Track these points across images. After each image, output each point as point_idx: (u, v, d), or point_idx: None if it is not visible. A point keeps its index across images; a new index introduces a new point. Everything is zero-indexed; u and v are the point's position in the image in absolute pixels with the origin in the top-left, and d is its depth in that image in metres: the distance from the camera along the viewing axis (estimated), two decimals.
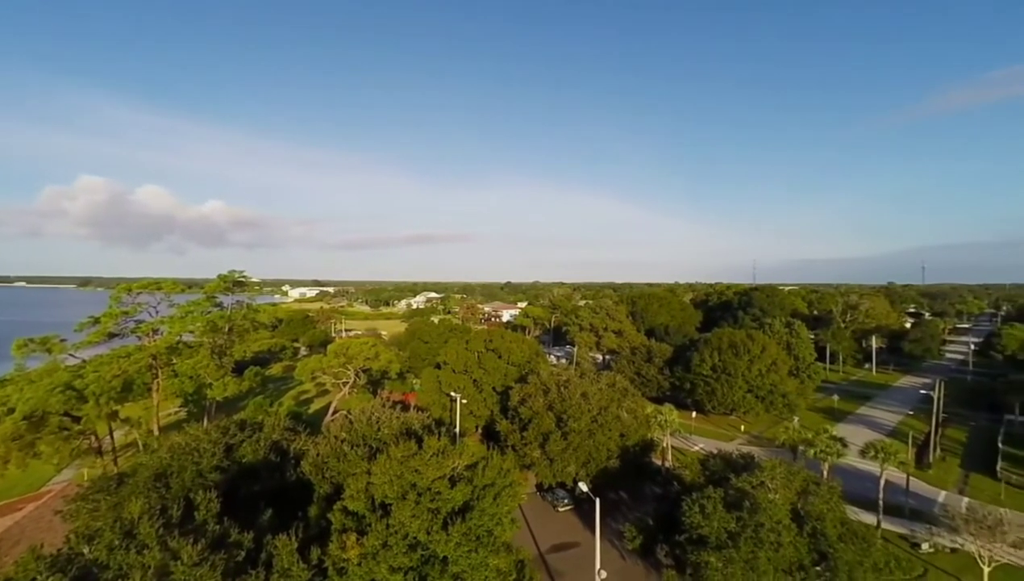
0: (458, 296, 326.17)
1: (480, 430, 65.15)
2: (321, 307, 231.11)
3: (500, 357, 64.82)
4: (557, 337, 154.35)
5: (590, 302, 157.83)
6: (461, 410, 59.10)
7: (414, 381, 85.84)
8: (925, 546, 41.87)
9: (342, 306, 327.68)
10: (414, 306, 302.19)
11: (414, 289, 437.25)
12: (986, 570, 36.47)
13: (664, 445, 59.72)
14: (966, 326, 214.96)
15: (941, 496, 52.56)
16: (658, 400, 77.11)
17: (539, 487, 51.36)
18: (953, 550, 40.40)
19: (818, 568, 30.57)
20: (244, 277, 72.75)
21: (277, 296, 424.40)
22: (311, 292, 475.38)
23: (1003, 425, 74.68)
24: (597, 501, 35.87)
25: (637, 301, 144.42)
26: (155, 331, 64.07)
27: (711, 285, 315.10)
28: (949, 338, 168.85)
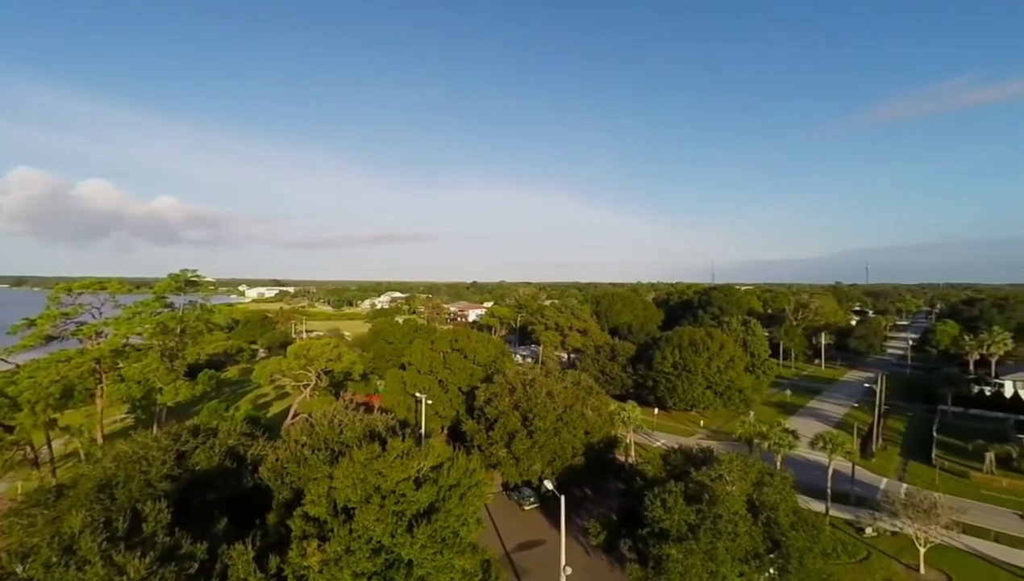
0: (423, 296, 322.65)
1: (446, 431, 64.68)
2: (281, 308, 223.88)
3: (466, 357, 64.56)
4: (523, 336, 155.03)
5: (556, 301, 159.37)
6: (426, 411, 58.53)
7: (378, 382, 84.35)
8: (868, 531, 44.37)
9: (303, 306, 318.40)
10: (378, 306, 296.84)
11: (378, 289, 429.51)
12: (922, 551, 39.02)
13: (627, 441, 60.97)
14: (905, 323, 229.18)
15: (883, 483, 55.80)
16: (622, 397, 78.73)
17: (505, 486, 51.46)
18: (893, 533, 42.96)
19: (772, 555, 31.93)
20: (198, 276, 69.55)
21: (234, 296, 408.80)
22: (270, 292, 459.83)
23: (937, 415, 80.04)
24: (563, 498, 36.25)
25: (601, 300, 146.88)
26: (99, 334, 60.42)
27: (672, 285, 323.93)
28: (890, 334, 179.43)
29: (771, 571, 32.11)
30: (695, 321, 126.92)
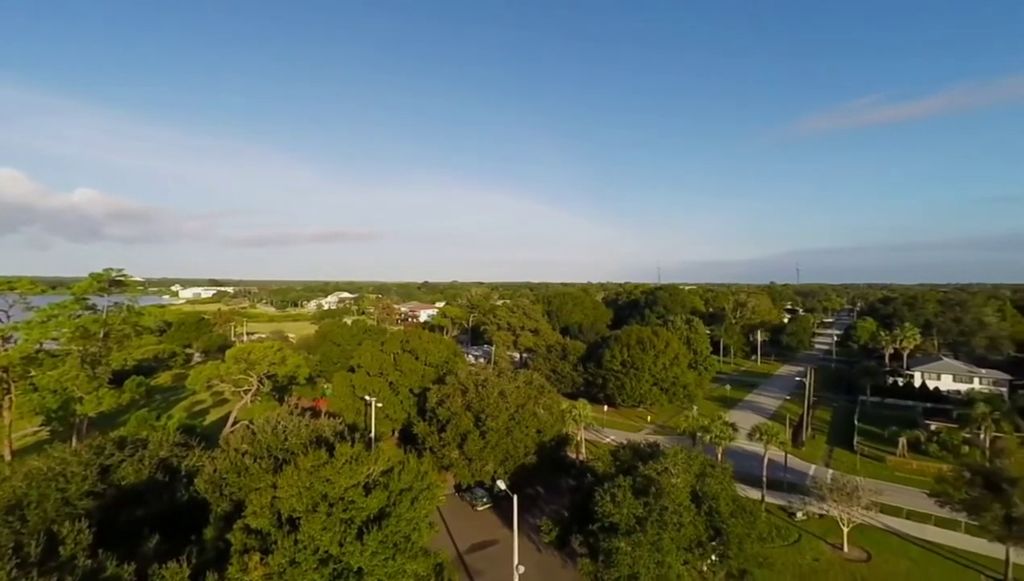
0: (373, 296, 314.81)
1: (397, 434, 63.47)
2: (219, 309, 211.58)
3: (417, 358, 63.61)
4: (475, 337, 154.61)
5: (508, 301, 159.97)
6: (377, 414, 57.19)
7: (325, 386, 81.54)
8: (799, 515, 47.50)
9: (243, 307, 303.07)
10: (325, 307, 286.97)
11: (325, 289, 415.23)
12: (845, 531, 42.20)
13: (578, 439, 62.15)
14: (830, 321, 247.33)
15: (812, 470, 59.89)
16: (573, 396, 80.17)
17: (458, 488, 51.12)
18: (821, 516, 46.21)
19: (713, 543, 33.54)
20: (124, 275, 64.61)
21: (166, 297, 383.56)
22: (207, 292, 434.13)
23: (858, 405, 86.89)
24: (515, 498, 36.45)
25: (553, 300, 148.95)
26: (7, 339, 54.90)
27: (621, 285, 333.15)
28: (818, 331, 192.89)
29: (713, 557, 33.74)
30: (642, 320, 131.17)
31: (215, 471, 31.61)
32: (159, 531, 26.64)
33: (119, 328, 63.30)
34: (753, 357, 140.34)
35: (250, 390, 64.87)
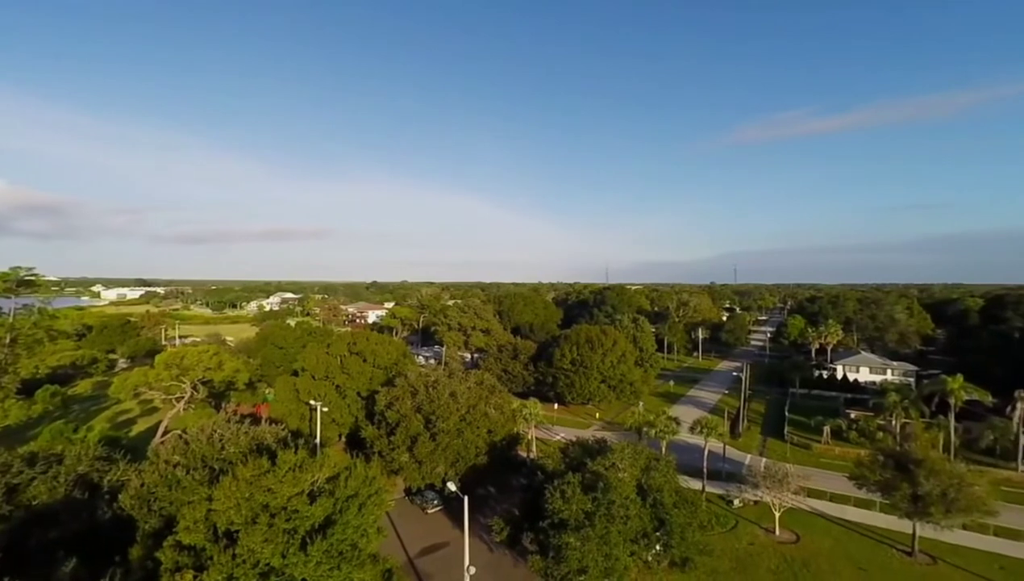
0: (318, 296, 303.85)
1: (344, 438, 61.63)
2: (147, 311, 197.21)
3: (365, 360, 62.03)
4: (426, 337, 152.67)
5: (459, 302, 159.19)
6: (322, 419, 55.26)
7: (267, 391, 77.87)
8: (736, 502, 50.25)
9: (175, 309, 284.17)
10: (267, 308, 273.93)
11: (267, 289, 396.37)
12: (777, 515, 45.06)
13: (529, 437, 62.79)
14: (764, 318, 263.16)
15: (747, 459, 63.48)
16: (524, 395, 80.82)
17: (408, 491, 50.31)
18: (756, 502, 49.08)
19: (658, 533, 34.90)
20: (34, 275, 59.00)
21: (86, 298, 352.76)
22: (134, 293, 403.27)
23: (788, 397, 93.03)
24: (466, 499, 36.33)
25: (504, 300, 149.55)
26: None
27: (571, 285, 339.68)
28: (753, 328, 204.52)
29: (657, 548, 35.11)
30: (591, 319, 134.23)
31: (142, 485, 29.47)
32: (77, 554, 24.53)
33: (29, 333, 57.75)
34: (695, 354, 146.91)
35: (183, 397, 60.95)
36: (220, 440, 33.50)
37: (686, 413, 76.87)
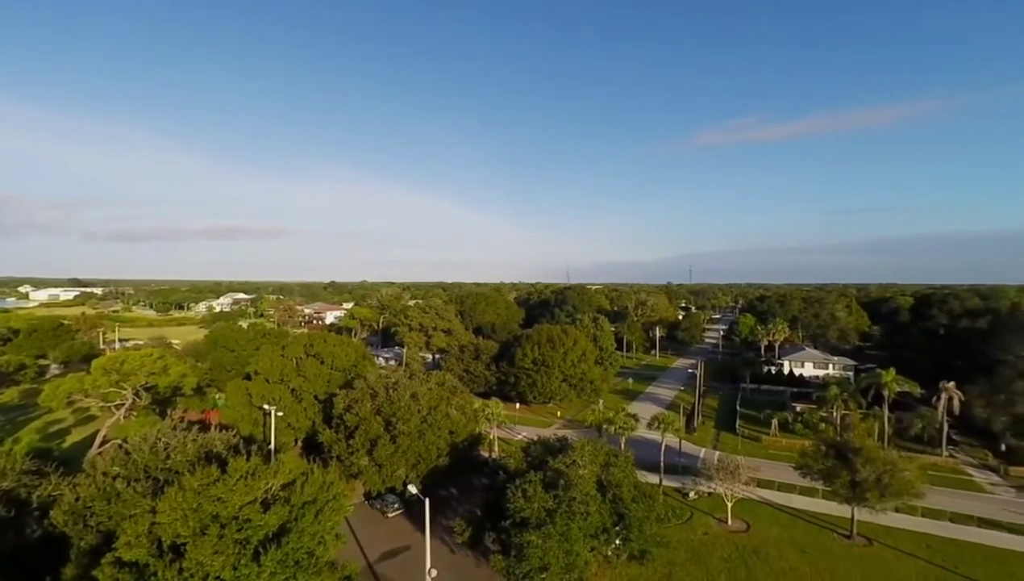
0: (273, 297, 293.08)
1: (300, 443, 59.76)
2: (83, 313, 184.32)
3: (323, 362, 60.34)
4: (386, 338, 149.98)
5: (420, 302, 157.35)
6: (277, 423, 53.33)
7: (217, 396, 74.46)
8: (692, 495, 52.03)
9: (115, 311, 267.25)
10: (217, 309, 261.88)
11: (217, 289, 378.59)
12: (729, 506, 46.98)
13: (491, 437, 62.81)
14: (718, 317, 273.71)
15: (702, 453, 65.84)
16: (486, 395, 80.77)
17: (367, 495, 49.32)
18: (710, 494, 50.98)
19: (617, 528, 35.67)
20: None
21: (12, 299, 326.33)
22: (68, 293, 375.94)
23: (740, 392, 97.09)
24: (427, 501, 35.98)
25: (465, 300, 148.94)
26: None
27: (532, 285, 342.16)
28: (707, 326, 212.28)
29: (617, 542, 35.88)
30: (552, 319, 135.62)
31: (77, 500, 27.58)
32: (2, 576, 22.68)
33: None
34: (652, 352, 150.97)
35: (123, 405, 57.43)
36: (165, 449, 31.76)
37: (644, 410, 78.89)
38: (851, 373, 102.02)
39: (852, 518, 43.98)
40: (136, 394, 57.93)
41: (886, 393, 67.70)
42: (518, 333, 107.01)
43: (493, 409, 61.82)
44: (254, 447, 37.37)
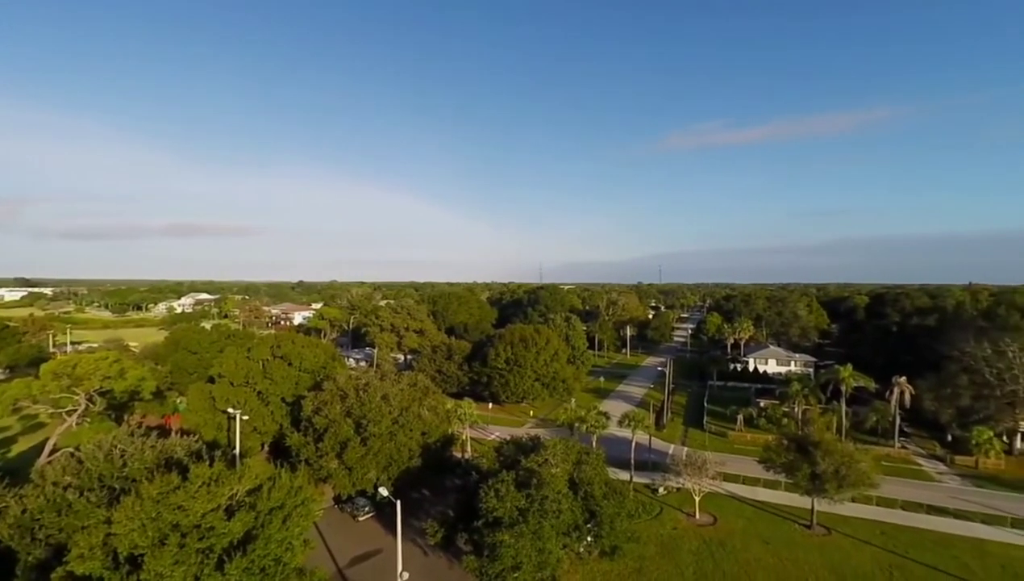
0: (238, 297, 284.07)
1: (267, 448, 58.23)
2: (31, 314, 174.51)
3: (290, 364, 58.87)
4: (357, 339, 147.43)
5: (391, 302, 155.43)
6: (242, 427, 51.75)
7: (178, 400, 71.77)
8: (661, 490, 53.07)
9: (66, 312, 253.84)
10: (178, 310, 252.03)
11: (178, 289, 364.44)
12: (697, 500, 48.14)
13: (464, 438, 62.58)
14: (686, 316, 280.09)
15: (671, 449, 67.25)
16: (458, 395, 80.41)
17: (337, 499, 48.40)
18: (678, 489, 52.08)
19: (589, 525, 36.09)
20: None
21: None
22: (15, 294, 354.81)
23: (707, 389, 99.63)
24: (398, 503, 35.59)
25: (438, 300, 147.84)
26: None
27: (505, 284, 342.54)
28: (676, 325, 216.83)
29: (588, 539, 36.30)
30: (525, 318, 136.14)
31: (24, 512, 26.13)
32: None
33: None
34: (623, 350, 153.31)
35: (76, 411, 54.73)
36: (121, 456, 30.42)
37: (615, 407, 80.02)
38: (811, 369, 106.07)
39: (812, 509, 45.73)
40: (90, 399, 55.30)
41: (844, 388, 70.67)
42: (491, 333, 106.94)
43: (466, 409, 61.63)
44: (218, 452, 36.21)
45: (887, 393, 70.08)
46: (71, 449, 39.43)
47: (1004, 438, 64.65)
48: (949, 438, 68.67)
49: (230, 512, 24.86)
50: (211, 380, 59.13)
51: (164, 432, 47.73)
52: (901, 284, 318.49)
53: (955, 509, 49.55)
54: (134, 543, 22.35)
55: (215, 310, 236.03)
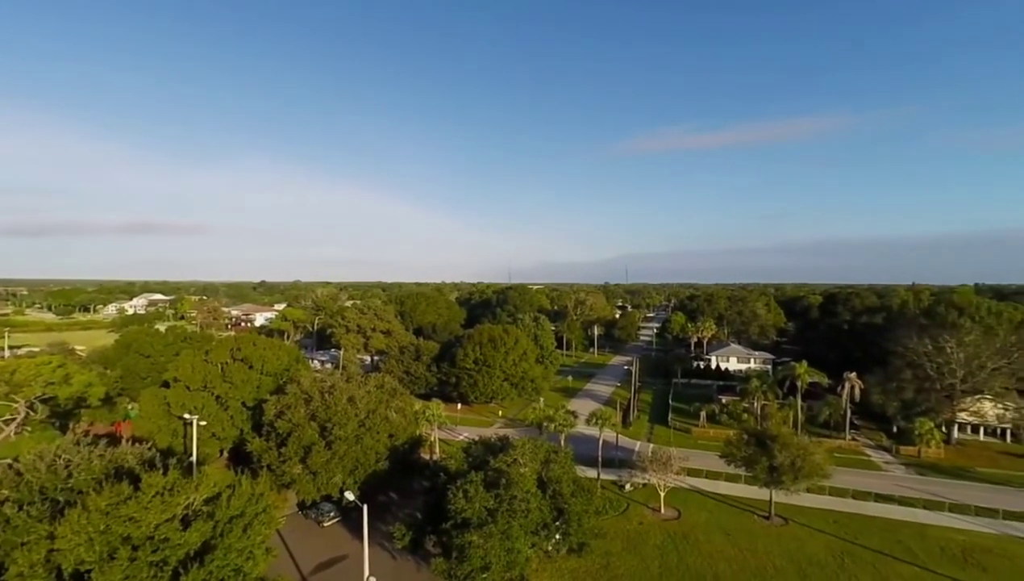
0: (195, 298, 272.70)
1: (226, 454, 56.16)
2: None
3: (252, 367, 56.96)
4: (321, 340, 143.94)
5: (358, 302, 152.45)
6: (200, 433, 49.73)
7: (129, 407, 68.37)
8: (627, 486, 54.05)
9: (4, 314, 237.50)
10: (130, 311, 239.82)
11: (130, 290, 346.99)
12: (662, 495, 49.29)
13: (432, 439, 62.04)
14: (652, 315, 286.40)
15: (637, 446, 68.58)
16: (426, 396, 79.73)
17: (301, 505, 47.14)
18: (644, 485, 53.18)
19: (557, 523, 36.41)
20: None
21: None
22: None
23: (672, 387, 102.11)
24: (365, 508, 34.97)
25: (406, 301, 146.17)
26: None
27: (474, 284, 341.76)
28: (642, 325, 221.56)
29: (557, 536, 36.62)
30: (494, 318, 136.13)
31: None
32: None
33: None
34: (591, 349, 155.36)
35: (14, 419, 51.37)
36: (66, 467, 28.72)
37: (583, 406, 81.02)
38: (770, 366, 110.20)
39: (770, 500, 47.55)
40: (30, 407, 52.07)
41: (799, 384, 73.81)
42: (460, 333, 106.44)
43: (434, 410, 61.13)
44: (173, 460, 34.73)
45: (839, 388, 73.59)
46: (9, 460, 36.96)
47: (943, 428, 68.99)
48: (895, 429, 72.70)
49: (186, 522, 23.87)
50: (166, 385, 56.60)
51: (114, 440, 45.31)
52: (852, 284, 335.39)
53: (900, 496, 52.47)
54: (80, 558, 21.16)
55: (170, 311, 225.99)
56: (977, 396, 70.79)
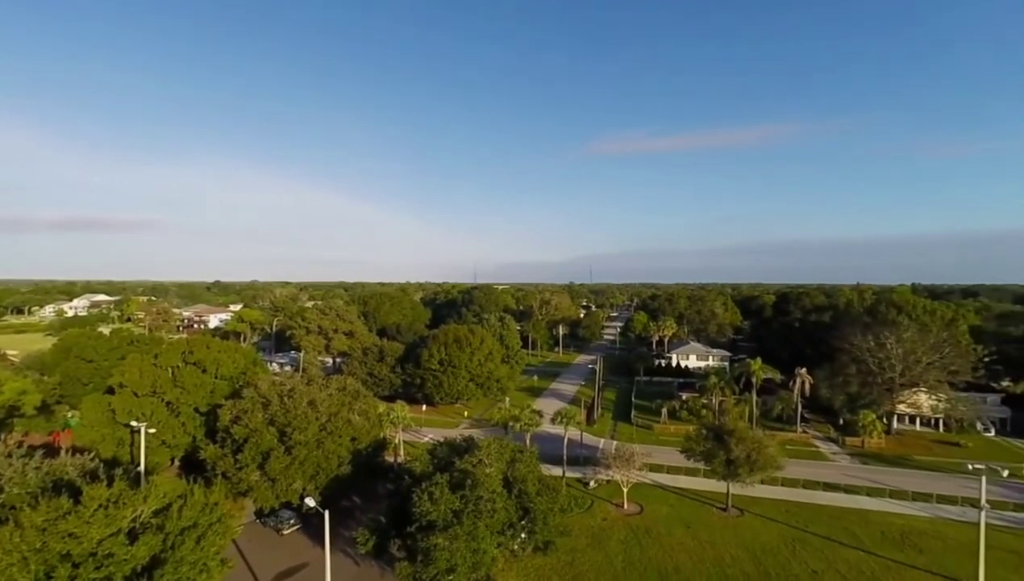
0: (143, 298, 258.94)
1: (178, 462, 53.63)
2: None
3: (205, 371, 54.59)
4: (281, 342, 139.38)
5: (319, 303, 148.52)
6: (149, 441, 47.19)
7: (69, 415, 64.28)
8: (592, 483, 54.90)
9: None
10: (70, 313, 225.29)
11: (70, 290, 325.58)
12: (625, 491, 50.33)
13: (396, 441, 61.14)
14: (615, 314, 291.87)
15: (601, 443, 69.71)
16: (391, 398, 78.48)
17: (259, 513, 45.50)
18: (608, 482, 54.16)
19: (523, 522, 36.57)
20: None
21: None
22: None
23: (634, 385, 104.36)
24: (327, 514, 34.11)
25: (369, 301, 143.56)
26: None
27: (439, 285, 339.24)
28: (606, 324, 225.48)
29: (523, 535, 36.78)
30: (459, 319, 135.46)
31: None
32: None
33: None
34: (556, 349, 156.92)
35: None
36: None
37: (549, 405, 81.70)
38: (727, 363, 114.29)
39: (728, 492, 49.35)
40: None
41: (754, 380, 76.89)
42: (424, 334, 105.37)
43: (398, 412, 60.26)
44: (119, 471, 32.94)
45: (791, 383, 77.09)
46: None
47: (884, 420, 73.42)
48: (841, 422, 76.79)
49: (133, 536, 22.64)
50: (110, 391, 53.51)
51: (52, 451, 42.46)
52: (803, 284, 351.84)
53: (846, 485, 55.50)
54: (13, 579, 19.73)
55: (115, 313, 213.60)
56: (914, 389, 75.70)
